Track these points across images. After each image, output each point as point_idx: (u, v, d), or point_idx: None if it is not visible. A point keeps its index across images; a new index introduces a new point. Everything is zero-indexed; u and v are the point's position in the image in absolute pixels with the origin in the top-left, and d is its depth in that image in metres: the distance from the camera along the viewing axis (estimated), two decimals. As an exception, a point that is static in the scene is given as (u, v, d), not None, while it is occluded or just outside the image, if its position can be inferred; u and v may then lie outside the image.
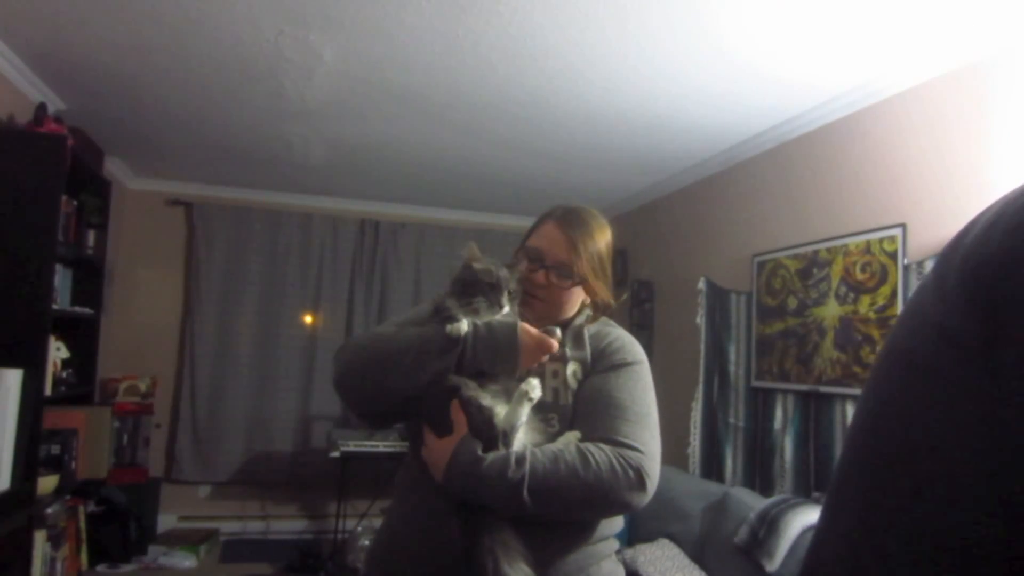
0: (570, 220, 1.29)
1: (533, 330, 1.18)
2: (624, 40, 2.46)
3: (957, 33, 2.27)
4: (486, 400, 1.12)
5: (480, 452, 1.08)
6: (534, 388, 1.12)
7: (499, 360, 1.15)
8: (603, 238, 1.30)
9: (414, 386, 1.15)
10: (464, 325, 1.15)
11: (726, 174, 3.74)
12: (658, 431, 1.21)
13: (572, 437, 1.15)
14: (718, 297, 3.59)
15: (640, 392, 1.22)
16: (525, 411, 1.12)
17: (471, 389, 1.13)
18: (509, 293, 1.20)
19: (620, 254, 4.84)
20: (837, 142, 2.95)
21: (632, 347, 1.29)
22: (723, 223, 3.75)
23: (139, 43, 2.68)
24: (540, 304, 1.28)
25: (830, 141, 2.99)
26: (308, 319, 5.05)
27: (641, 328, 4.37)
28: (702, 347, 3.60)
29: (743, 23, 2.29)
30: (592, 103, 3.06)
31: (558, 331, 1.22)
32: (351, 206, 5.19)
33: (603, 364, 1.25)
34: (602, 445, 1.12)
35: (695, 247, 4.01)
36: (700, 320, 3.62)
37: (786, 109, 3.03)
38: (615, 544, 1.24)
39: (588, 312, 1.34)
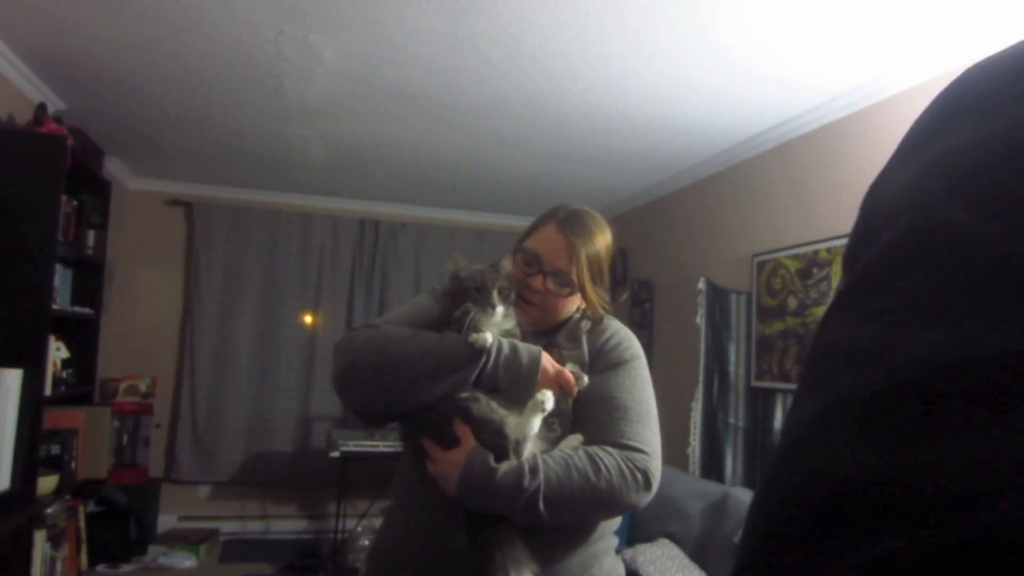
0: (572, 224, 1.24)
1: (556, 364, 1.16)
2: (625, 40, 2.46)
3: (957, 33, 2.27)
4: (497, 412, 1.10)
5: (492, 463, 1.06)
6: (548, 399, 1.09)
7: (516, 382, 1.12)
8: (604, 243, 1.26)
9: (428, 395, 1.10)
10: (489, 336, 1.11)
11: (726, 174, 3.74)
12: (658, 425, 1.21)
13: (575, 441, 1.14)
14: (718, 297, 3.59)
15: (639, 389, 1.21)
16: (537, 422, 1.09)
17: (481, 403, 1.11)
18: (499, 292, 1.16)
19: (620, 254, 4.84)
20: (838, 142, 2.94)
21: (629, 341, 1.27)
22: (723, 223, 3.75)
23: (139, 43, 2.67)
24: (534, 309, 1.23)
25: (831, 141, 2.98)
26: (308, 319, 5.05)
27: (641, 328, 4.37)
28: (702, 347, 3.59)
29: (744, 23, 2.29)
30: (592, 103, 3.05)
31: (586, 378, 1.18)
32: (351, 206, 5.19)
33: (601, 363, 1.22)
34: (609, 449, 1.11)
35: (695, 247, 4.01)
36: (700, 320, 3.62)
37: (787, 109, 3.02)
38: (615, 541, 1.24)
39: (584, 316, 1.30)
